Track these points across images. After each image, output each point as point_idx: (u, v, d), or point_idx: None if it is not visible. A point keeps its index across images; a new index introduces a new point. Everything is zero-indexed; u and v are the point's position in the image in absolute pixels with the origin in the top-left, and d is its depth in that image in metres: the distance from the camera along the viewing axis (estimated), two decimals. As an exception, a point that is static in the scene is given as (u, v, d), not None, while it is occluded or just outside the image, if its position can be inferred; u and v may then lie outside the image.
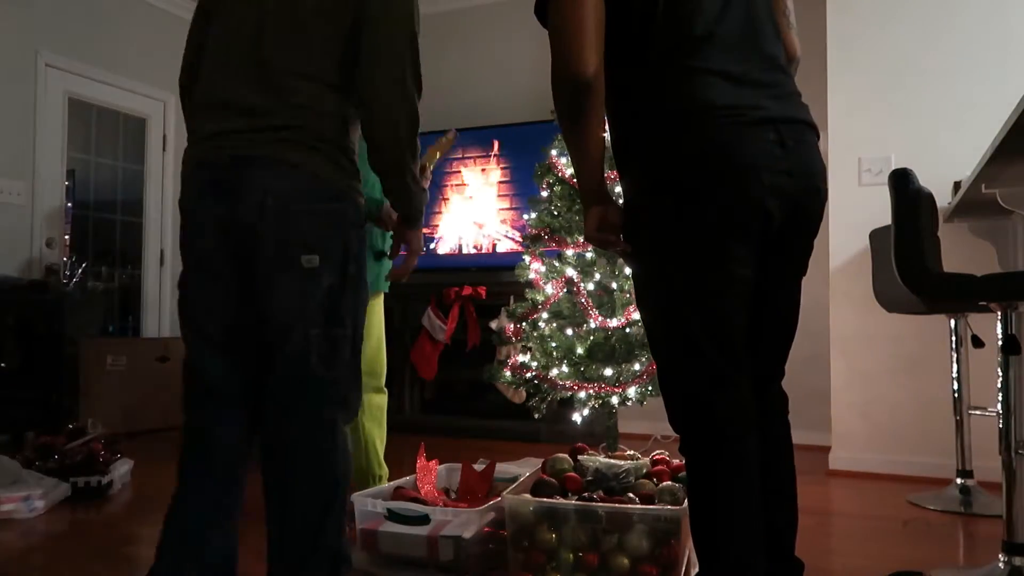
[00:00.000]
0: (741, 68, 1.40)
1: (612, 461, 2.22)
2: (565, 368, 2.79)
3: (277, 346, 1.59)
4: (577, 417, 2.86)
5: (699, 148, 1.37)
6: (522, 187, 4.43)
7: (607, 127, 1.52)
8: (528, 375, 2.87)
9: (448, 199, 4.68)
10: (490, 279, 4.26)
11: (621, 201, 1.54)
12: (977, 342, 2.47)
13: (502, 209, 4.59)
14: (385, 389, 2.71)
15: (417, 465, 2.31)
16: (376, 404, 2.69)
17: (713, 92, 1.37)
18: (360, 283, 1.67)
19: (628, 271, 2.80)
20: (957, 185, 2.96)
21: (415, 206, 1.75)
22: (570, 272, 2.86)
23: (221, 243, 1.57)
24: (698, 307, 1.41)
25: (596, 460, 2.23)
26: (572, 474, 2.16)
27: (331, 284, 1.58)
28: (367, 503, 2.11)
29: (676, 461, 2.36)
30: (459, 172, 4.67)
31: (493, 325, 3.91)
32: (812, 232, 1.51)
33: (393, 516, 2.05)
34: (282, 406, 1.59)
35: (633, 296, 2.74)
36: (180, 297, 1.65)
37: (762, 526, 1.40)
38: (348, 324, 1.63)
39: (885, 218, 2.17)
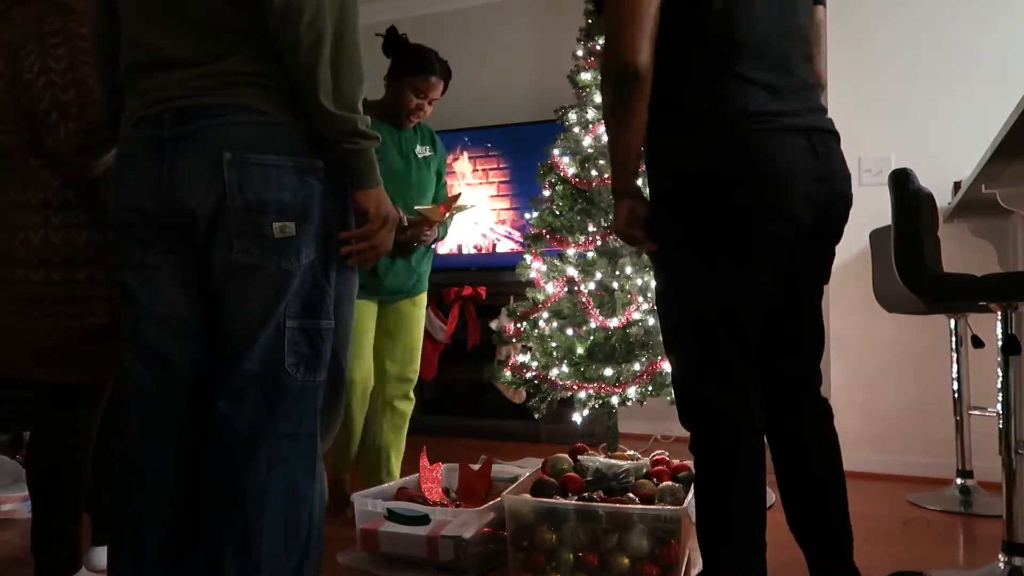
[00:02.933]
0: (779, 80, 1.43)
1: (612, 461, 2.22)
2: (565, 368, 2.79)
3: (237, 345, 1.25)
4: (577, 417, 2.86)
5: (738, 151, 1.38)
6: (522, 187, 4.43)
7: None
8: (528, 375, 2.87)
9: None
10: (490, 279, 4.26)
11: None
12: (977, 342, 2.47)
13: (502, 209, 4.58)
14: (413, 396, 2.72)
15: (420, 466, 2.31)
16: (401, 412, 2.67)
17: (755, 98, 1.40)
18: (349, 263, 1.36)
19: (629, 271, 2.80)
20: (957, 185, 2.96)
21: (362, 157, 1.28)
22: (571, 271, 2.86)
23: (168, 214, 1.26)
24: (722, 310, 1.41)
25: (596, 460, 2.23)
26: (572, 474, 2.16)
27: (311, 261, 1.26)
28: (367, 503, 2.11)
29: (676, 461, 2.36)
30: (459, 172, 4.68)
31: (493, 325, 3.91)
32: (837, 237, 1.57)
33: (393, 516, 2.05)
34: (243, 425, 1.24)
35: (633, 297, 2.74)
36: (123, 291, 1.36)
37: (765, 532, 1.41)
38: (332, 314, 1.31)
39: (885, 218, 2.17)
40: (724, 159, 1.38)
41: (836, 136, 1.52)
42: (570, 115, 2.97)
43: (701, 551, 1.45)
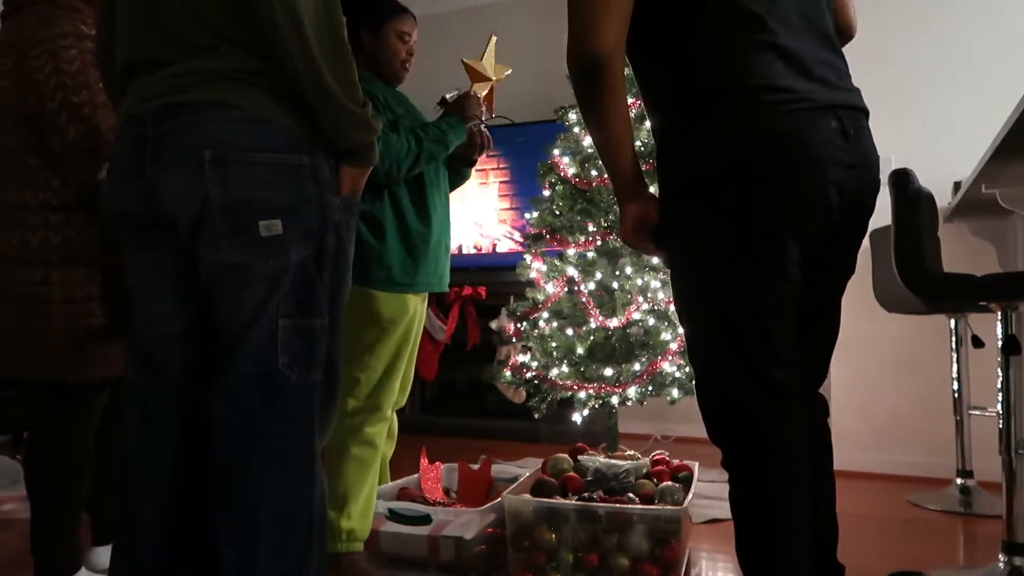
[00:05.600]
0: (799, 46, 1.26)
1: (612, 461, 2.22)
2: (565, 368, 2.80)
3: (230, 346, 1.24)
4: (577, 417, 2.86)
5: (761, 135, 1.22)
6: (522, 187, 4.43)
7: (648, 112, 1.39)
8: (528, 375, 2.88)
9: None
10: (490, 279, 4.26)
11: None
12: (977, 342, 2.46)
13: (502, 209, 4.58)
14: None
15: (420, 465, 2.31)
16: (394, 420, 2.29)
17: (774, 71, 1.22)
18: (343, 260, 1.34)
19: (629, 271, 2.80)
20: (957, 185, 2.97)
21: (349, 135, 1.28)
22: (571, 271, 2.86)
23: (153, 214, 1.24)
24: (752, 312, 1.27)
25: (596, 460, 2.23)
26: (572, 474, 2.16)
27: (303, 259, 1.24)
28: (367, 503, 2.11)
29: (676, 461, 2.36)
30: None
31: (493, 325, 3.91)
32: (865, 229, 1.40)
33: (394, 516, 2.05)
34: (238, 426, 1.22)
35: (633, 297, 2.74)
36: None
37: (810, 544, 1.29)
38: (327, 313, 1.29)
39: (885, 218, 2.17)
40: (750, 144, 1.23)
41: (865, 113, 1.33)
42: (570, 115, 2.98)
43: (744, 571, 1.31)
